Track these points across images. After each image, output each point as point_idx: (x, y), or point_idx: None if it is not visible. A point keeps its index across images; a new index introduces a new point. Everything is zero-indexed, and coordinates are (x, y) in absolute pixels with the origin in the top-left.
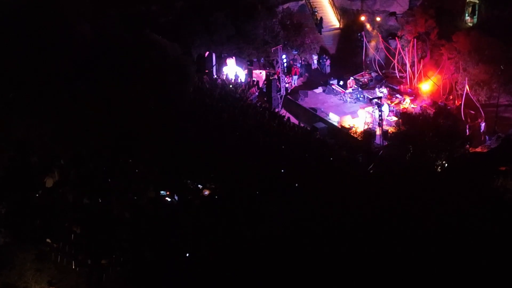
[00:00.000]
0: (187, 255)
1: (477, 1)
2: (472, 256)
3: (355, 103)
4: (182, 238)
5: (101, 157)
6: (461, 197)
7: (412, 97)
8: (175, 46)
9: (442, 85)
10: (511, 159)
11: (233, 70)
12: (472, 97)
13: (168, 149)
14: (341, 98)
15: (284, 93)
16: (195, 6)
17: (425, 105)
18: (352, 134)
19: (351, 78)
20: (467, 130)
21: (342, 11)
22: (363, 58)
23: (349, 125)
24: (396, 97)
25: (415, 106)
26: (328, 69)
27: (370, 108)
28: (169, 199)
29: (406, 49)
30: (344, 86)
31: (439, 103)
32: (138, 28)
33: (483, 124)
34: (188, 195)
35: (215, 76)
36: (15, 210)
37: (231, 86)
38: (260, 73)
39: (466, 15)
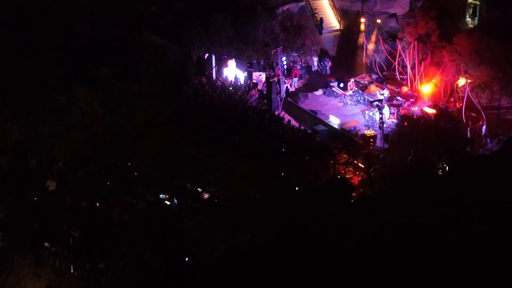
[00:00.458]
0: (186, 259)
1: (478, 3)
2: (473, 259)
3: (355, 105)
4: (181, 242)
5: (99, 159)
6: (462, 200)
7: (413, 100)
8: (175, 48)
9: (443, 87)
10: None
11: (233, 72)
12: (473, 100)
13: (167, 151)
14: (342, 100)
15: (284, 95)
16: (195, 7)
17: (426, 107)
18: (352, 136)
19: (352, 80)
20: (468, 133)
21: (342, 13)
22: (364, 60)
23: (349, 127)
24: (397, 99)
25: (416, 109)
26: (328, 71)
27: (370, 111)
28: (168, 203)
29: (407, 51)
30: (345, 88)
31: (440, 105)
32: (138, 29)
33: (484, 127)
34: (188, 199)
35: (215, 78)
36: (13, 214)
37: (230, 88)
38: (260, 75)
39: (467, 16)
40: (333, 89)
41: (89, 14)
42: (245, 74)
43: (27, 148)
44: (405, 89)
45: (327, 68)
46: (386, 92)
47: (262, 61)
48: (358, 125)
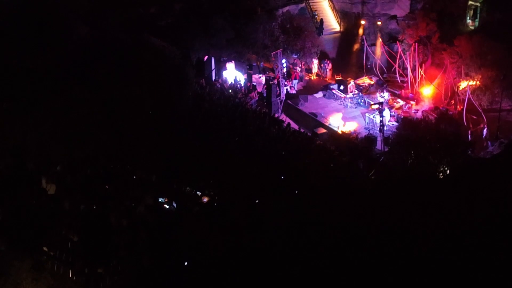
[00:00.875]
0: (186, 263)
1: (479, 4)
2: (473, 264)
3: (355, 108)
4: (180, 246)
5: (98, 162)
6: (463, 204)
7: (414, 102)
8: (174, 49)
9: (444, 89)
10: None
11: (232, 74)
12: (474, 102)
13: (166, 154)
14: (342, 103)
15: (284, 98)
16: (194, 8)
17: (426, 110)
18: (353, 139)
19: (352, 82)
20: (469, 136)
21: (342, 15)
22: (364, 62)
23: (349, 130)
24: (398, 102)
25: (418, 109)
26: (328, 74)
27: (371, 113)
28: (167, 206)
29: (407, 53)
30: (345, 91)
31: (441, 108)
32: (137, 31)
33: (485, 130)
34: (187, 202)
35: (214, 80)
36: (11, 217)
37: (230, 91)
38: (260, 77)
39: (468, 18)
40: (333, 91)
41: (88, 16)
42: (245, 76)
43: (26, 151)
44: (405, 91)
45: (327, 70)
46: (386, 95)
47: (262, 63)
48: (358, 128)
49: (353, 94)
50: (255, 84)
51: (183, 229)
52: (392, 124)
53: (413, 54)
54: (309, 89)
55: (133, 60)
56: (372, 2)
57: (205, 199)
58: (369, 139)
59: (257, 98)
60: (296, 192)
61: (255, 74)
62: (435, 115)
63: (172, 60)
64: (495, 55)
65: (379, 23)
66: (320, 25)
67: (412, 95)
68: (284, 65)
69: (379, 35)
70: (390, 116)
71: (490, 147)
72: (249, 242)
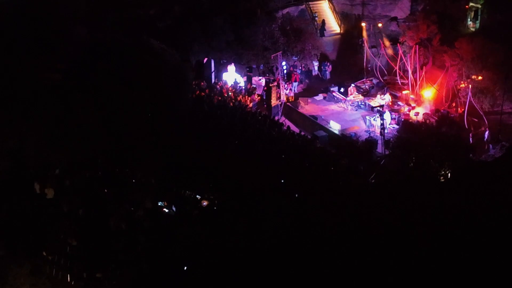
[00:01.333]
0: (185, 268)
1: (480, 6)
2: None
3: (356, 110)
4: (180, 250)
5: (97, 166)
6: (464, 207)
7: (415, 104)
8: (173, 52)
9: (445, 92)
10: None
11: (232, 76)
12: (475, 105)
13: (166, 158)
14: (342, 105)
15: (285, 100)
16: (194, 11)
17: (427, 112)
18: (353, 142)
19: (352, 85)
20: (471, 139)
21: (342, 16)
22: (364, 64)
23: (350, 133)
24: (398, 105)
25: (419, 111)
26: (328, 76)
27: (371, 116)
28: (166, 210)
29: (408, 55)
30: (345, 93)
31: (442, 110)
32: (136, 33)
33: (486, 133)
34: (186, 206)
35: (214, 82)
36: (9, 222)
37: (230, 93)
38: (260, 79)
39: (469, 20)
40: (334, 94)
41: (87, 17)
42: (245, 78)
43: (24, 154)
44: (406, 94)
45: (327, 73)
46: (387, 97)
47: (262, 65)
48: (359, 130)
49: (353, 97)
50: (255, 86)
51: (183, 233)
52: (393, 127)
53: (413, 56)
54: (309, 91)
55: (133, 62)
56: (373, 4)
57: (205, 203)
58: (370, 142)
59: (257, 101)
60: (296, 195)
61: (255, 76)
62: (436, 118)
63: (172, 62)
64: (496, 57)
65: (379, 25)
66: (322, 27)
67: (413, 97)
68: (284, 67)
69: (379, 37)
70: (391, 118)
71: (491, 150)
72: (249, 245)
